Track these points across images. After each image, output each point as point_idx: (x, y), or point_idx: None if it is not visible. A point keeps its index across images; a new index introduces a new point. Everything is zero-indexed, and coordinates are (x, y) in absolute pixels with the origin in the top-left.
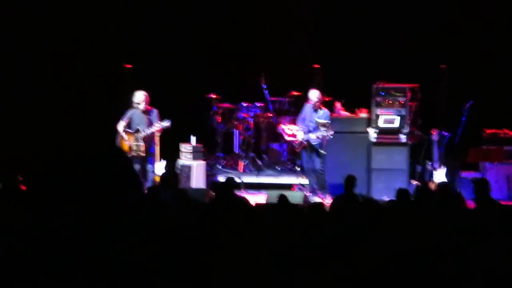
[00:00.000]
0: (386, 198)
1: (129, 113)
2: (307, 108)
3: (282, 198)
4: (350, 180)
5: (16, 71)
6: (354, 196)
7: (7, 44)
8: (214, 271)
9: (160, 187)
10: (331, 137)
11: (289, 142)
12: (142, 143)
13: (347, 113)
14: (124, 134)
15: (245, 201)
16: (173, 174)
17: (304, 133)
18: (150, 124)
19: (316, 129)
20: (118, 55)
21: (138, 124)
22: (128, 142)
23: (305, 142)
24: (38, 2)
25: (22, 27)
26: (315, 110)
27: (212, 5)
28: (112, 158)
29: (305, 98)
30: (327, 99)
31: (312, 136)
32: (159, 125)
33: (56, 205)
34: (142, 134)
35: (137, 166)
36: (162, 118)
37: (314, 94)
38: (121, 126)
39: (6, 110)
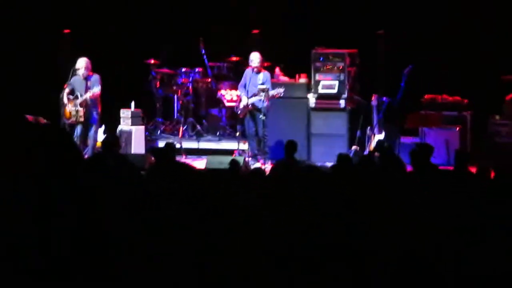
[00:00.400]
0: (328, 164)
1: (72, 79)
2: (248, 72)
3: (234, 163)
4: (291, 146)
5: None
6: (295, 161)
7: None
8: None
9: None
10: (281, 95)
11: (230, 108)
12: (80, 109)
13: (286, 78)
14: (65, 101)
15: (187, 165)
16: (114, 139)
17: (248, 97)
18: (90, 89)
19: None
20: (57, 21)
21: (78, 90)
22: (68, 108)
23: (250, 107)
24: None
25: None
26: (257, 73)
27: None
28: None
29: (244, 64)
30: (266, 64)
31: (261, 97)
32: (91, 91)
33: None
34: (79, 100)
35: (78, 132)
36: (102, 84)
37: (255, 57)
38: (64, 92)
39: None
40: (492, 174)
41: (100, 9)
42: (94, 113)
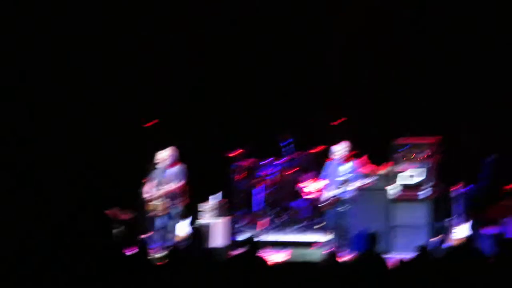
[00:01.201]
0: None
1: (154, 172)
2: (329, 165)
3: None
4: (373, 237)
5: None
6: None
7: None
8: None
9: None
10: (374, 183)
11: (312, 199)
12: (160, 202)
13: (373, 166)
14: (147, 195)
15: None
16: (201, 233)
17: (331, 190)
18: (172, 180)
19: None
20: (143, 112)
21: (160, 181)
22: (151, 202)
23: (332, 199)
24: None
25: None
26: (340, 164)
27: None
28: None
29: (326, 154)
30: (352, 153)
31: (352, 186)
32: (169, 186)
33: None
34: (157, 193)
35: (158, 225)
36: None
37: (338, 148)
38: (149, 185)
39: None
40: None
41: (184, 102)
42: (176, 206)
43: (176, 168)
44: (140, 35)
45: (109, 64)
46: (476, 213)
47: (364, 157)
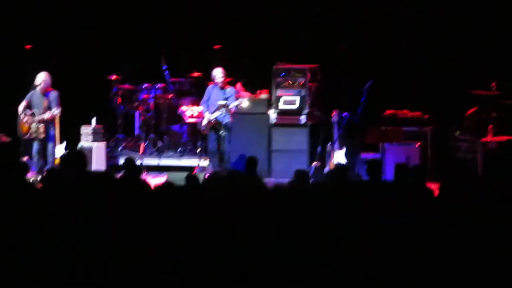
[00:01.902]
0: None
1: (30, 94)
2: (210, 88)
3: (191, 178)
4: (252, 162)
5: None
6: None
7: None
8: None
9: (60, 168)
10: (244, 106)
11: (191, 124)
12: (41, 125)
13: (248, 94)
14: (22, 115)
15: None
16: (82, 156)
17: (210, 113)
18: (49, 107)
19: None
20: (19, 36)
21: (36, 105)
22: (26, 123)
23: (213, 122)
24: None
25: None
26: (221, 89)
27: None
28: None
29: (206, 79)
30: (228, 80)
31: (229, 109)
32: (50, 112)
33: None
34: (36, 118)
35: (36, 148)
36: (61, 100)
37: (218, 72)
38: (21, 107)
39: None
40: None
41: (62, 24)
42: (52, 129)
43: (53, 94)
44: None
45: None
46: (355, 139)
47: (239, 83)
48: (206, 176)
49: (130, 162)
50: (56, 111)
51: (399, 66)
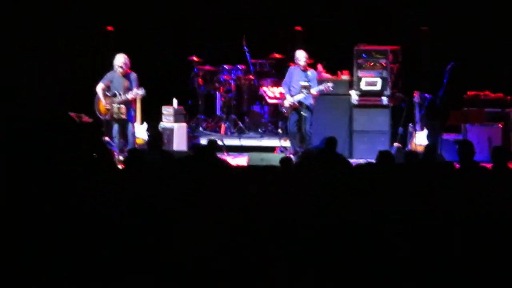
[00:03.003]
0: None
1: (109, 75)
2: (292, 70)
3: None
4: (331, 142)
5: None
6: (336, 155)
7: None
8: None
9: (143, 149)
10: (332, 89)
11: (272, 105)
12: (122, 106)
13: (329, 75)
14: (102, 97)
15: (225, 163)
16: (158, 136)
17: (292, 95)
18: (129, 88)
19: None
20: (100, 18)
21: (117, 87)
22: (106, 105)
23: (296, 103)
24: None
25: None
26: (303, 71)
27: None
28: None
29: (287, 61)
30: (309, 62)
31: (313, 92)
32: (135, 92)
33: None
34: (119, 99)
35: (116, 129)
36: (142, 82)
37: (301, 55)
38: (99, 88)
39: None
40: None
41: (143, 6)
42: (132, 110)
43: (133, 75)
44: None
45: None
46: (437, 120)
47: (320, 65)
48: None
49: (212, 142)
50: (140, 91)
51: (481, 47)
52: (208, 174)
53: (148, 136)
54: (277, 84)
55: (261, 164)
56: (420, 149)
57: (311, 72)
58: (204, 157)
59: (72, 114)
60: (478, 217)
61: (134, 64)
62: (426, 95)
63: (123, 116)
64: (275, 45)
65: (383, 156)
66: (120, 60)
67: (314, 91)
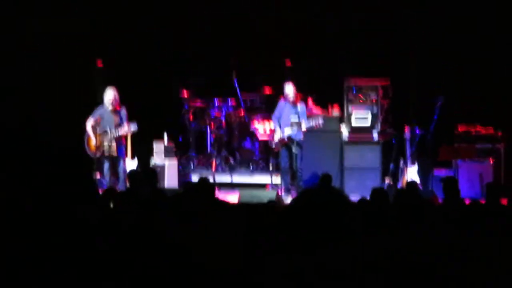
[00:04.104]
0: (353, 197)
1: (99, 111)
2: (282, 104)
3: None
4: (326, 178)
5: None
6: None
7: None
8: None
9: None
10: (322, 125)
11: (263, 141)
12: (113, 143)
13: (319, 109)
14: (91, 133)
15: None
16: (152, 173)
17: (282, 130)
18: (119, 124)
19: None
20: (89, 52)
21: (107, 123)
22: (95, 142)
23: (286, 139)
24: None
25: None
26: (293, 104)
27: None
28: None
29: (277, 95)
30: (299, 95)
31: (303, 128)
32: (126, 129)
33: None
34: (110, 136)
35: (107, 166)
36: (132, 117)
37: (290, 89)
38: (89, 124)
39: None
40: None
41: (133, 40)
42: (122, 146)
43: (123, 111)
44: None
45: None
46: (428, 155)
47: (309, 98)
48: (278, 193)
49: (204, 181)
50: (132, 127)
51: (471, 81)
52: (203, 211)
53: (139, 172)
54: (268, 118)
55: (252, 201)
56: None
57: (300, 106)
58: (196, 194)
59: None
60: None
61: (123, 99)
62: (417, 130)
63: (114, 154)
64: (265, 78)
65: (376, 193)
66: (110, 95)
67: (304, 127)
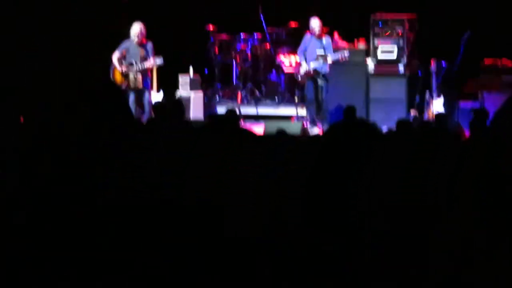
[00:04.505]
0: (384, 128)
1: (125, 44)
2: (308, 38)
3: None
4: (350, 110)
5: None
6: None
7: None
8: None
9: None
10: (348, 58)
11: (288, 73)
12: (139, 76)
13: (345, 43)
14: (118, 65)
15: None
16: (179, 104)
17: (308, 63)
18: (145, 57)
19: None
20: None
21: (133, 56)
22: (123, 74)
23: (312, 72)
24: None
25: None
26: (318, 39)
27: None
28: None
29: (303, 29)
30: (325, 30)
31: (329, 60)
32: (152, 62)
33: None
34: (135, 68)
35: (132, 98)
36: (158, 50)
37: (316, 23)
38: (115, 57)
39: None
40: None
41: None
42: (148, 79)
43: (149, 44)
44: None
45: None
46: (453, 88)
47: (336, 32)
48: (304, 125)
49: (232, 112)
50: (158, 61)
51: (498, 14)
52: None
53: (164, 104)
54: (294, 52)
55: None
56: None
57: (326, 40)
58: (224, 126)
59: None
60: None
61: (150, 33)
62: (442, 63)
63: (140, 85)
64: (291, 12)
65: (401, 124)
66: (136, 29)
67: (329, 59)
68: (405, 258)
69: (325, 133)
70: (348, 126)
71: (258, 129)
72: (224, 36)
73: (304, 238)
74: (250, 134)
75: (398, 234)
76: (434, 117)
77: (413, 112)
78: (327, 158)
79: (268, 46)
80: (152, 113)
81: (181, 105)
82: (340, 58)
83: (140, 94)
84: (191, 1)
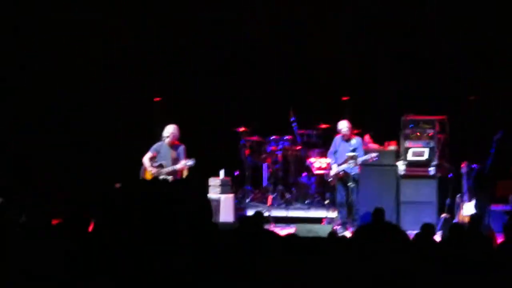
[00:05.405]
0: (413, 232)
1: (156, 145)
2: (337, 139)
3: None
4: (378, 213)
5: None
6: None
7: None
8: None
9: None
10: (376, 159)
11: (319, 175)
12: (169, 177)
13: (376, 146)
14: (148, 166)
15: (273, 233)
16: (208, 204)
17: (338, 165)
18: (176, 159)
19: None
20: (149, 88)
21: (164, 158)
22: (153, 175)
23: (341, 174)
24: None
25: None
26: (347, 141)
27: (239, 37)
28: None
29: (333, 131)
30: (356, 132)
31: (358, 162)
32: (183, 163)
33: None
34: (165, 170)
35: None
36: (189, 152)
37: (344, 125)
38: (146, 158)
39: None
40: None
41: (190, 79)
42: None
43: (181, 147)
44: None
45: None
46: (485, 190)
47: (367, 135)
48: (334, 228)
49: (259, 214)
50: (189, 162)
51: None
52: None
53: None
54: (324, 155)
55: (308, 235)
56: (467, 220)
57: (355, 140)
58: (250, 228)
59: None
60: None
61: (182, 135)
62: (473, 165)
63: None
64: (322, 115)
65: (425, 228)
66: (169, 130)
67: (358, 161)
68: None
69: (352, 236)
70: (375, 229)
71: (289, 232)
72: (255, 138)
73: None
74: (273, 235)
75: None
76: (463, 220)
77: (444, 215)
78: (350, 260)
79: (298, 148)
80: None
81: (209, 207)
82: (369, 159)
83: None
84: (223, 103)
